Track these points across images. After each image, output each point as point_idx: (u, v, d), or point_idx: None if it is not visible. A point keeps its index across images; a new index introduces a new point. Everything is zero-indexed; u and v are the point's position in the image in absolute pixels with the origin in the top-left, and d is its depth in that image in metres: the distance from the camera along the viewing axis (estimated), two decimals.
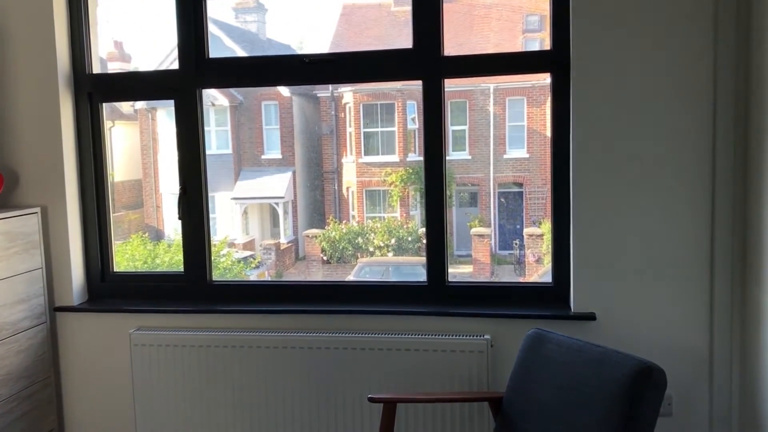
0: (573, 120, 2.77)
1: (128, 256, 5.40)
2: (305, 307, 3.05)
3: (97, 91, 3.23)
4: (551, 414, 2.40)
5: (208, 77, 3.15)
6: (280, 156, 7.67)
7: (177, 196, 3.21)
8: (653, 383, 2.21)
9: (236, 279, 3.46)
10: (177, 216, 3.21)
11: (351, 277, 6.83)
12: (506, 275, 6.91)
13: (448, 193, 3.11)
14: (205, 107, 3.20)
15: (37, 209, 3.08)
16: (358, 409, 2.95)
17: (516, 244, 7.15)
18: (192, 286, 3.23)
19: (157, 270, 3.34)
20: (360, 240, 7.22)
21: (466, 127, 7.00)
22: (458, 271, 6.90)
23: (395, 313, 2.97)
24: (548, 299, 2.98)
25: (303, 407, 2.99)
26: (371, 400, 2.57)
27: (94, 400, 3.23)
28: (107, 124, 3.40)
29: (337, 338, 2.95)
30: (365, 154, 7.24)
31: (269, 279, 6.92)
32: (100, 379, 3.22)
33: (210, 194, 3.26)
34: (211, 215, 3.28)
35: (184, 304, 3.17)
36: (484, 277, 6.78)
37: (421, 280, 3.11)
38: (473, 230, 7.01)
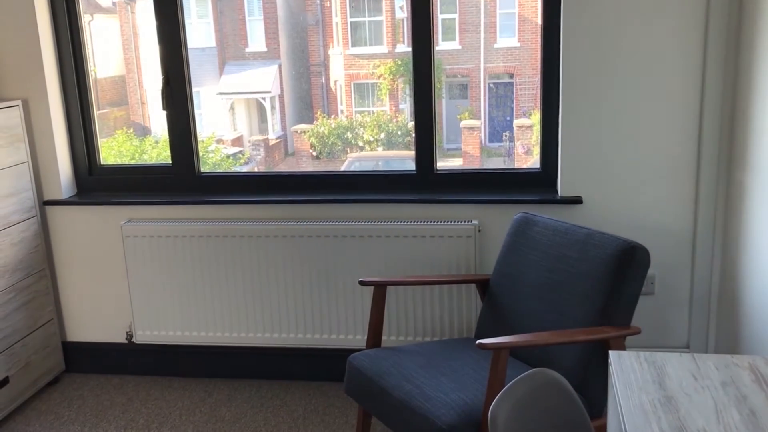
0: (563, 7, 2.69)
1: (115, 152, 5.34)
2: (295, 197, 3.07)
3: None
4: (537, 293, 2.47)
5: None
6: (265, 49, 7.48)
7: (160, 87, 3.15)
8: (636, 262, 2.27)
9: (223, 170, 3.48)
10: (162, 107, 3.17)
11: None
12: (496, 167, 6.93)
13: (437, 84, 3.08)
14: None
15: (18, 102, 3.02)
16: (350, 293, 3.03)
17: (506, 136, 7.13)
18: (180, 178, 3.23)
19: (145, 162, 3.32)
20: (349, 135, 7.16)
21: (456, 15, 6.81)
22: (448, 165, 6.90)
23: (384, 201, 2.99)
24: (536, 185, 3.00)
25: (296, 293, 3.06)
26: (362, 283, 2.63)
27: (89, 291, 3.30)
28: (86, 17, 3.29)
29: (327, 227, 2.98)
30: (352, 46, 7.07)
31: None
32: (94, 271, 3.27)
33: (195, 89, 3.20)
34: (197, 111, 3.24)
35: (173, 195, 3.18)
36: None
37: (411, 168, 3.12)
38: (463, 123, 6.96)
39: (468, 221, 2.92)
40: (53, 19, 3.11)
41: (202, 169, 3.25)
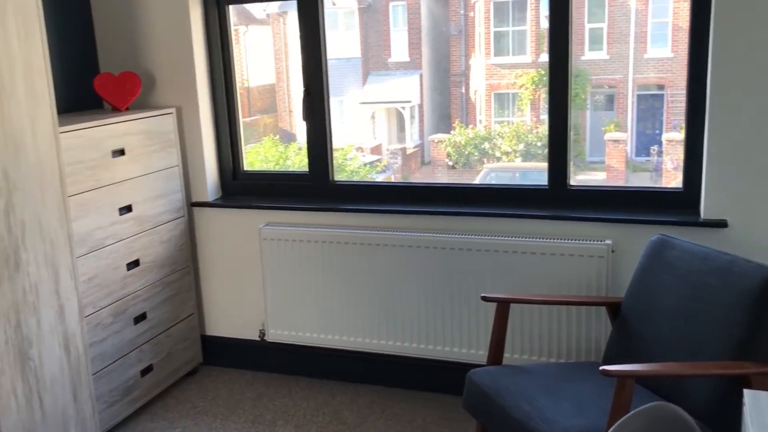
0: (714, 13, 2.53)
1: (261, 157, 5.63)
2: (424, 208, 3.08)
3: None
4: (671, 321, 2.33)
5: None
6: (407, 59, 7.58)
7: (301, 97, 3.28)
8: None
9: (358, 179, 3.58)
10: (301, 117, 3.30)
11: (476, 183, 6.78)
12: (642, 183, 6.61)
13: (581, 95, 2.99)
14: (332, 9, 3.20)
15: (173, 110, 3.26)
16: (474, 307, 3.00)
17: (654, 150, 6.79)
18: (316, 185, 3.34)
19: (285, 170, 3.48)
20: (486, 145, 7.10)
21: (604, 25, 6.58)
22: (590, 178, 6.67)
23: (513, 216, 2.94)
24: (676, 205, 2.83)
25: (420, 303, 3.07)
26: (484, 299, 2.60)
27: (228, 289, 3.49)
28: (241, 28, 3.49)
29: (455, 239, 2.98)
30: (495, 55, 7.01)
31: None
32: (233, 270, 3.46)
33: (338, 98, 3.31)
34: (339, 119, 3.34)
35: (309, 202, 3.30)
36: (617, 184, 6.52)
37: (542, 183, 3.04)
38: (608, 135, 6.70)
39: (601, 240, 2.81)
40: (206, 32, 3.32)
41: (337, 177, 3.35)
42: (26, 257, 2.44)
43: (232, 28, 3.37)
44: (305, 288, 3.24)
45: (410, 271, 3.06)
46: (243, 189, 3.48)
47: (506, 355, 2.96)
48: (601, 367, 2.01)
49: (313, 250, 3.18)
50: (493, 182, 6.85)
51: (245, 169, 3.51)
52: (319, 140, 3.29)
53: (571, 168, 3.00)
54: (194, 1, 3.24)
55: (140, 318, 3.13)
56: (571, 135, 2.99)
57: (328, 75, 3.25)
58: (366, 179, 6.85)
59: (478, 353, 3.02)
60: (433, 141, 7.42)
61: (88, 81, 3.33)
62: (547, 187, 3.02)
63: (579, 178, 2.93)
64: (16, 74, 2.37)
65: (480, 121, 7.21)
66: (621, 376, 1.99)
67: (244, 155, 3.51)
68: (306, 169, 3.37)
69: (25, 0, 2.39)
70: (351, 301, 3.18)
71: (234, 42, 3.40)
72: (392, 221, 3.14)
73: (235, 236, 3.41)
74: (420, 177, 7.63)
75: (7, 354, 2.38)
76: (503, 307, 2.59)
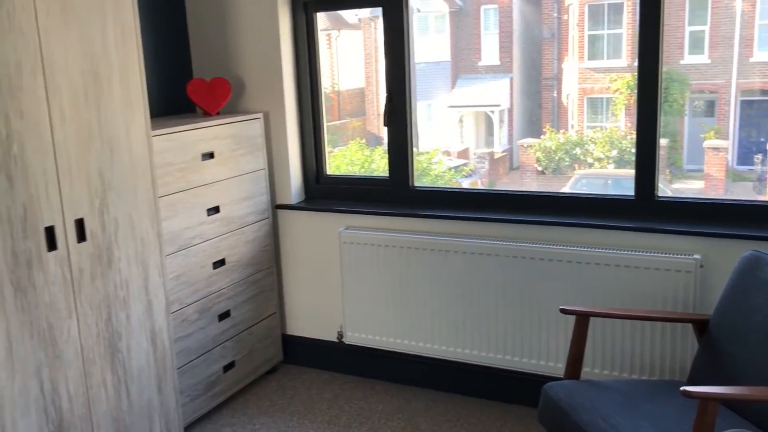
0: None
1: (347, 160, 5.72)
2: (504, 216, 3.04)
3: (312, 0, 3.37)
4: (763, 341, 2.20)
5: None
6: (497, 62, 7.50)
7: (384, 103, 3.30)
8: None
9: (436, 185, 3.58)
10: (383, 123, 3.33)
11: (566, 189, 6.62)
12: (743, 194, 6.28)
13: (679, 101, 2.88)
14: (423, 13, 3.22)
15: (260, 115, 3.36)
16: (552, 318, 2.94)
17: (758, 159, 6.44)
18: (396, 190, 3.36)
19: (365, 174, 3.52)
20: (578, 151, 6.92)
21: (706, 27, 6.29)
22: (687, 187, 6.40)
23: (595, 226, 2.86)
24: None
25: (498, 313, 3.04)
26: (563, 311, 2.54)
27: (308, 290, 3.56)
28: (333, 33, 3.56)
29: (536, 248, 2.92)
30: (588, 59, 6.84)
31: (481, 187, 6.95)
32: (313, 272, 3.52)
33: (426, 102, 3.32)
34: (426, 123, 3.35)
35: (388, 207, 3.32)
36: (715, 194, 6.22)
37: (628, 193, 2.95)
38: (707, 142, 6.40)
39: (689, 254, 2.69)
40: (294, 39, 3.40)
41: (421, 181, 3.37)
42: (118, 254, 2.57)
43: (324, 32, 3.45)
44: (383, 292, 3.26)
45: (489, 280, 3.03)
46: (325, 192, 3.54)
47: (585, 369, 2.89)
48: (682, 388, 1.93)
49: (392, 255, 3.20)
50: (584, 189, 6.68)
51: (328, 172, 3.57)
52: (400, 146, 3.31)
53: (667, 177, 2.89)
54: (283, 8, 3.33)
55: (224, 315, 3.24)
56: (662, 143, 2.88)
57: (411, 81, 3.26)
58: (450, 184, 6.82)
59: (556, 366, 2.96)
60: (522, 146, 7.31)
61: (182, 86, 3.48)
62: (633, 198, 2.92)
63: (675, 186, 2.82)
64: (113, 80, 2.50)
65: (571, 126, 7.05)
66: (704, 398, 1.90)
67: (327, 159, 3.57)
68: (387, 173, 3.39)
69: (124, 10, 2.53)
70: (428, 307, 3.18)
71: (325, 46, 3.47)
72: (471, 228, 3.12)
73: (317, 238, 3.47)
74: (508, 182, 7.53)
75: (98, 346, 2.51)
76: (583, 320, 2.52)
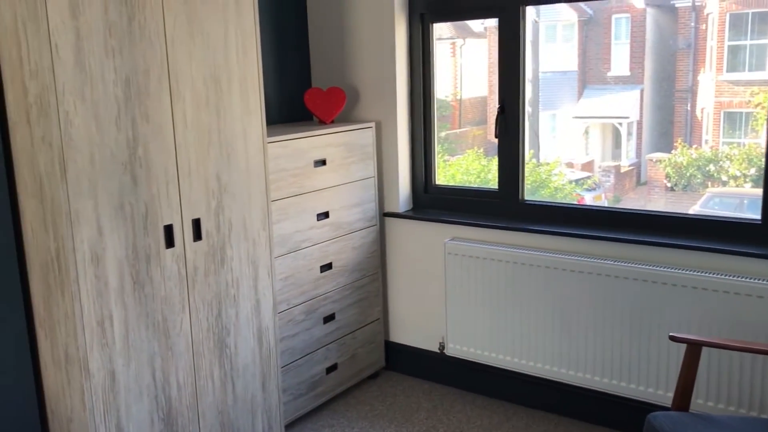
0: None
1: (462, 169, 5.70)
2: (615, 235, 2.93)
3: (429, 11, 3.40)
4: None
5: None
6: (627, 73, 7.22)
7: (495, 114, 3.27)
8: None
9: (547, 200, 3.46)
10: (494, 134, 3.29)
11: (697, 208, 6.27)
12: None
13: None
14: (551, 22, 3.19)
15: (372, 124, 3.42)
16: (664, 345, 2.79)
17: None
18: (504, 203, 3.32)
19: (476, 185, 3.50)
20: (712, 167, 6.53)
21: None
22: None
23: (714, 250, 2.70)
24: None
25: (605, 335, 2.92)
26: (673, 339, 2.40)
27: (412, 298, 3.58)
28: (458, 42, 3.57)
29: (649, 271, 2.80)
30: (728, 71, 6.44)
31: (605, 203, 6.71)
32: (418, 281, 3.54)
33: (551, 112, 3.27)
34: (549, 134, 3.30)
35: (496, 220, 3.28)
36: None
37: (754, 217, 2.76)
38: None
39: None
40: (409, 49, 3.44)
41: (539, 193, 3.31)
42: (231, 254, 2.70)
43: (449, 41, 3.47)
44: (486, 306, 3.22)
45: (597, 300, 2.92)
46: (433, 202, 3.55)
47: (697, 400, 2.72)
48: None
49: (497, 269, 3.16)
50: (717, 208, 6.28)
51: (437, 182, 3.57)
52: (511, 159, 3.26)
53: None
54: (400, 20, 3.37)
55: (329, 318, 3.32)
56: None
57: (524, 92, 3.21)
58: (570, 197, 6.62)
59: (666, 395, 2.80)
60: (651, 160, 6.98)
61: (302, 95, 3.61)
62: (760, 222, 2.73)
63: None
64: (233, 88, 2.64)
65: (705, 141, 6.65)
66: None
67: (437, 169, 3.58)
68: (497, 186, 3.35)
69: (246, 21, 2.66)
70: (532, 324, 3.11)
71: (449, 55, 3.49)
72: (581, 246, 3.02)
73: (422, 248, 3.49)
74: (634, 197, 7.21)
75: (208, 340, 2.65)
76: (694, 349, 2.38)
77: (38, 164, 2.19)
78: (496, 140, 3.35)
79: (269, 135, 2.96)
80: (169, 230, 2.47)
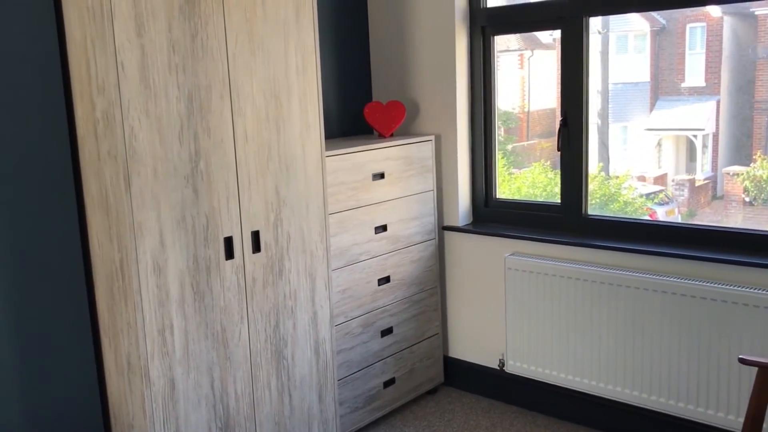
0: None
1: (528, 182, 5.61)
2: (683, 252, 2.82)
3: (490, 24, 3.37)
4: None
5: (593, 4, 3.04)
6: (703, 84, 6.98)
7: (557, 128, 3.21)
8: None
9: (610, 215, 3.35)
10: (556, 147, 3.23)
11: None
12: None
13: None
14: (622, 32, 3.13)
15: (432, 137, 3.41)
16: (734, 368, 2.67)
17: None
18: (567, 218, 3.24)
19: (536, 199, 3.43)
20: None
21: None
22: None
23: None
24: None
25: (671, 355, 2.82)
26: (742, 361, 2.29)
27: (471, 314, 3.53)
28: (526, 53, 3.54)
29: (718, 289, 2.68)
30: None
31: (678, 217, 6.48)
32: (477, 296, 3.49)
33: (622, 124, 3.20)
34: (621, 146, 3.23)
35: (558, 234, 3.21)
36: None
37: None
38: None
39: None
40: (470, 63, 3.42)
41: (608, 207, 3.22)
42: (288, 266, 2.73)
43: (517, 52, 3.44)
44: (547, 323, 3.15)
45: (663, 318, 2.82)
46: (493, 216, 3.50)
47: (767, 427, 2.58)
48: None
49: (558, 285, 3.09)
50: None
51: (498, 196, 3.53)
52: (574, 172, 3.19)
53: None
54: (461, 33, 3.36)
55: (387, 332, 3.31)
56: None
57: (588, 105, 3.14)
58: (641, 212, 6.42)
59: (736, 420, 2.67)
60: (728, 173, 6.71)
61: (362, 108, 3.64)
62: None
63: None
64: (292, 104, 2.68)
65: None
66: None
67: (498, 182, 3.54)
68: (560, 200, 3.29)
69: (305, 39, 2.70)
70: (594, 343, 3.02)
71: (517, 66, 3.46)
72: (647, 263, 2.92)
73: (482, 262, 3.44)
74: (710, 212, 6.95)
75: (266, 351, 2.68)
76: (766, 373, 2.26)
77: (104, 177, 2.28)
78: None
79: (328, 149, 2.99)
80: (228, 242, 2.52)
